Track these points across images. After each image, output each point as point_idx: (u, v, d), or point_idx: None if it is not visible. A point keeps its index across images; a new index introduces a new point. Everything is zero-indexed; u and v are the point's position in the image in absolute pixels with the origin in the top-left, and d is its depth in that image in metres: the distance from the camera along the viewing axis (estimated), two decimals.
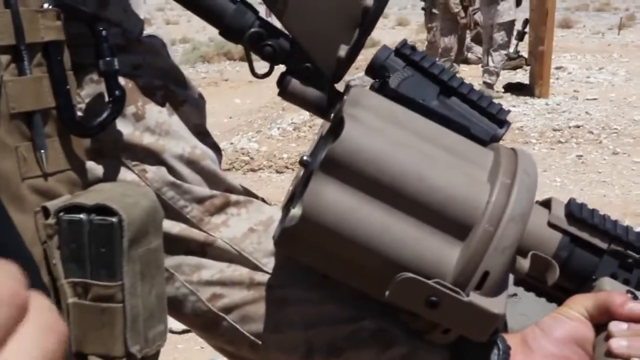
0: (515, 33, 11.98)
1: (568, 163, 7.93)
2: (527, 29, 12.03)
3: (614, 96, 10.88)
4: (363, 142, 0.83)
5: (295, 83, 0.92)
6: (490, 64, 10.70)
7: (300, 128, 8.86)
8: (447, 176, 0.84)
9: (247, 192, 1.10)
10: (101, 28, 0.92)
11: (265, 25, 0.91)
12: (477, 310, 0.82)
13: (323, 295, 1.01)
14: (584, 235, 0.93)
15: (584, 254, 0.93)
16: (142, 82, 1.02)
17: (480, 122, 0.95)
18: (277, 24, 0.94)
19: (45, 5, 0.87)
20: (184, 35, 15.76)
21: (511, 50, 12.32)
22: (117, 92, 0.93)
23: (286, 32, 0.92)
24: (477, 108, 0.95)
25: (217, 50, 14.75)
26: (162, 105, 1.03)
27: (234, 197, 1.07)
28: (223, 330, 1.07)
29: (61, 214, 0.84)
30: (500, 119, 0.96)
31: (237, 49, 12.86)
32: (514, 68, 12.72)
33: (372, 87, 0.95)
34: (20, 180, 0.84)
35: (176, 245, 1.01)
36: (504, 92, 11.15)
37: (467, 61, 12.13)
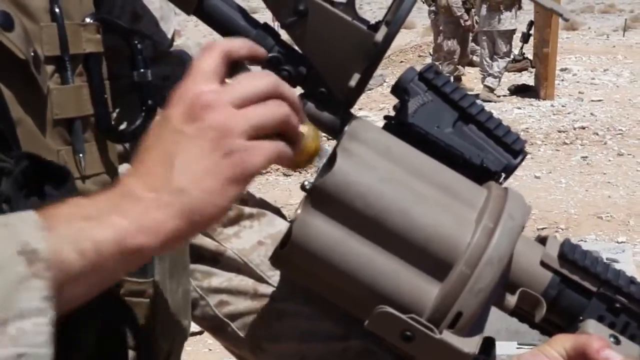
0: (520, 35, 12.02)
1: (573, 164, 7.97)
2: (532, 31, 12.05)
3: (618, 97, 10.91)
4: (352, 178, 0.86)
5: (310, 106, 0.95)
6: (495, 69, 10.76)
7: None
8: (432, 214, 0.87)
9: (262, 203, 1.16)
10: (136, 41, 0.99)
11: (284, 50, 0.95)
12: (448, 348, 0.85)
13: (319, 311, 1.05)
14: (575, 277, 0.94)
15: (573, 295, 0.94)
16: (170, 92, 1.08)
17: (495, 151, 0.97)
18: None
19: (87, 20, 0.94)
20: (194, 39, 15.78)
21: (516, 52, 12.36)
22: (149, 102, 1.00)
23: (304, 56, 0.94)
24: (493, 137, 0.97)
25: None
26: None
27: (247, 210, 1.13)
28: (227, 335, 1.13)
29: None
30: (515, 150, 0.97)
31: None
32: (519, 70, 12.74)
33: (395, 108, 0.98)
34: None
35: (190, 252, 1.06)
36: (509, 95, 11.19)
37: (471, 64, 12.15)
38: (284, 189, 7.33)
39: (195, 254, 1.08)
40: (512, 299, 0.92)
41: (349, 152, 0.88)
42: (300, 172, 7.79)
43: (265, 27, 0.96)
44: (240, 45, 0.82)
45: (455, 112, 0.97)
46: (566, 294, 0.94)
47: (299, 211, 0.89)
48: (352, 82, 0.91)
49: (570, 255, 0.93)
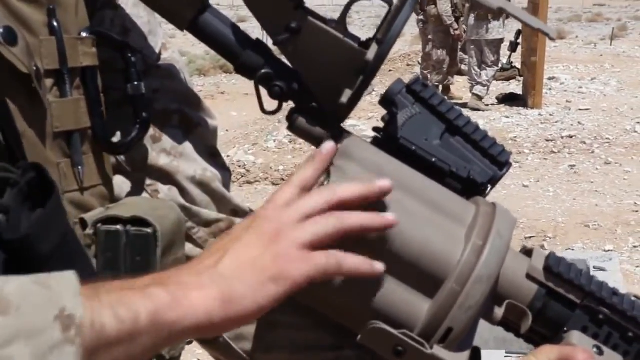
0: (508, 44, 12.08)
1: (561, 173, 8.00)
2: (519, 40, 12.11)
3: (605, 106, 10.96)
4: None
5: (302, 121, 0.96)
6: (484, 77, 10.82)
7: (296, 140, 8.91)
8: (422, 232, 0.89)
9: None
10: (129, 54, 1.00)
11: (276, 66, 0.96)
12: None
13: (310, 322, 1.06)
14: (559, 290, 0.96)
15: (558, 307, 0.96)
16: (160, 106, 1.09)
17: (481, 163, 0.98)
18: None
19: (83, 34, 0.95)
20: (180, 49, 15.71)
21: (504, 61, 12.41)
22: (144, 114, 1.01)
23: (296, 72, 0.95)
24: (480, 149, 0.99)
25: (213, 63, 14.75)
26: (178, 128, 1.10)
27: (238, 222, 1.13)
28: (219, 345, 1.14)
29: (99, 225, 0.92)
30: (500, 161, 0.99)
31: None
32: (508, 79, 12.80)
33: (383, 119, 1.00)
34: (62, 193, 0.92)
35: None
36: (497, 103, 11.23)
37: (460, 72, 12.19)
38: None
39: None
40: (499, 311, 0.93)
41: (342, 171, 0.90)
42: None
43: (257, 43, 0.98)
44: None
45: (443, 124, 0.99)
46: (551, 306, 0.96)
47: None
48: (344, 99, 0.93)
49: (555, 268, 0.95)
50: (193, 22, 0.96)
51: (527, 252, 0.98)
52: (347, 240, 0.86)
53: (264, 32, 0.95)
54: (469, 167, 0.98)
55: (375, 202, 0.88)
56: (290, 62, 0.95)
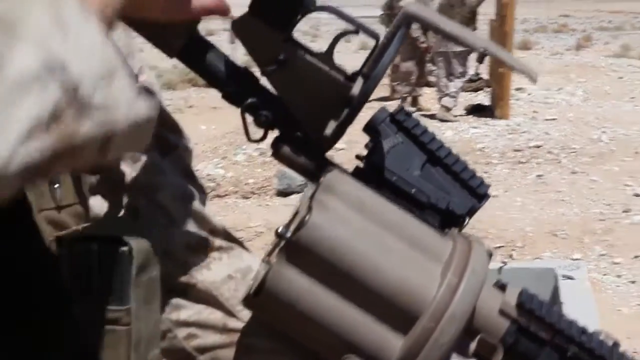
0: (476, 55, 12.19)
1: (528, 183, 8.08)
2: None
3: (572, 116, 11.09)
4: (325, 233, 0.89)
5: (286, 149, 0.97)
6: (452, 89, 10.90)
7: (265, 153, 8.91)
8: (400, 269, 0.91)
9: (229, 236, 1.18)
10: None
11: (262, 95, 0.97)
12: None
13: (287, 347, 1.06)
14: (531, 326, 0.97)
15: (529, 343, 0.97)
16: None
17: (460, 194, 1.00)
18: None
19: None
20: (149, 63, 15.46)
21: (472, 72, 12.52)
22: None
23: (282, 102, 0.96)
24: (460, 180, 1.00)
25: (181, 77, 14.67)
26: (156, 149, 1.12)
27: (217, 242, 1.15)
28: None
29: (74, 243, 0.93)
30: (479, 193, 1.00)
31: None
32: (475, 90, 12.91)
33: (366, 146, 1.01)
34: (37, 211, 0.94)
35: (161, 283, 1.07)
36: (465, 114, 11.32)
37: (428, 84, 12.28)
38: (243, 212, 7.33)
39: (165, 285, 1.07)
40: (471, 345, 0.95)
41: (324, 206, 0.91)
42: (260, 195, 7.81)
43: (245, 72, 0.99)
44: None
45: (424, 154, 1.00)
46: (522, 343, 0.97)
47: (273, 260, 0.92)
48: (328, 130, 0.94)
49: (527, 304, 0.97)
50: (182, 51, 0.97)
51: (501, 287, 1.00)
52: (322, 267, 0.89)
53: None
54: (449, 198, 0.99)
55: (354, 236, 0.90)
56: (277, 92, 0.96)
